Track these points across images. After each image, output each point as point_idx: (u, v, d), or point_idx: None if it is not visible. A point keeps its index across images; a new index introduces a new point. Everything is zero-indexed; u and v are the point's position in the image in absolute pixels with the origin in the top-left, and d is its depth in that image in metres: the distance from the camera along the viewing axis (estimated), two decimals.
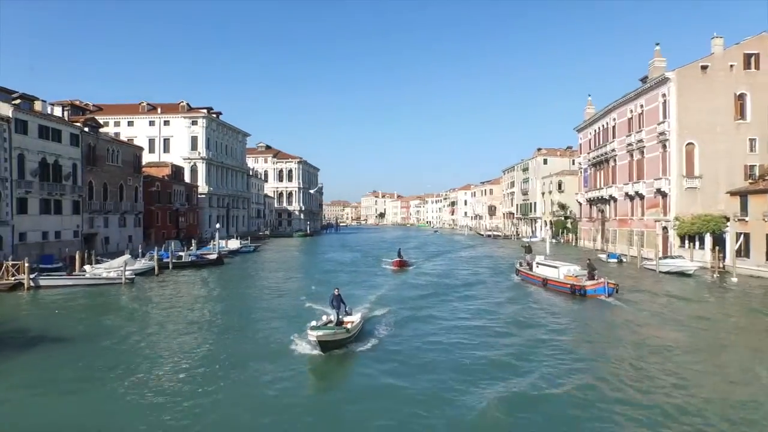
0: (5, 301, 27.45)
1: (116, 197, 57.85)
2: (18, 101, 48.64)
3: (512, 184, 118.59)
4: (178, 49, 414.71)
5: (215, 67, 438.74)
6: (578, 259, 43.64)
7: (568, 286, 30.73)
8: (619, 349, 18.95)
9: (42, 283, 29.62)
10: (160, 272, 38.79)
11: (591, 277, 30.95)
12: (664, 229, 46.26)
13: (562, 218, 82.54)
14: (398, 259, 44.95)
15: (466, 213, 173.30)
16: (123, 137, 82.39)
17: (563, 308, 27.35)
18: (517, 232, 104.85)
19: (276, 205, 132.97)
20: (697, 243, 41.89)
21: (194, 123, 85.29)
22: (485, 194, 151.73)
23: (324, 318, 19.69)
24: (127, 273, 32.10)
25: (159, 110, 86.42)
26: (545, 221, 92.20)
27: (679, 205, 44.37)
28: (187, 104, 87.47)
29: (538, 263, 35.92)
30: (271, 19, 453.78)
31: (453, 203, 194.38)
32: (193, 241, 58.00)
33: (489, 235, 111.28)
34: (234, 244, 58.99)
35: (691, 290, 32.41)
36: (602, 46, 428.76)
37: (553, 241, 78.95)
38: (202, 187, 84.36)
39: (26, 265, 29.72)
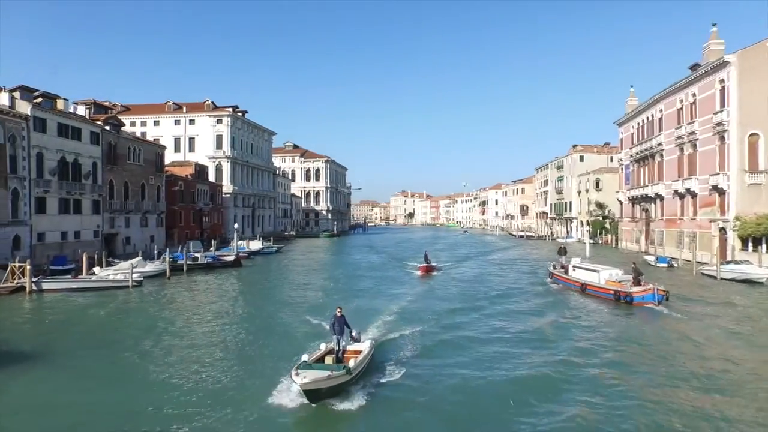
0: (2, 305, 25.83)
1: (138, 197, 56.69)
2: (39, 99, 47.82)
3: (545, 183, 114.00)
4: (207, 50, 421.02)
5: (243, 66, 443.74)
6: (620, 263, 39.78)
7: (611, 292, 27.50)
8: (685, 371, 15.78)
9: (45, 286, 27.99)
10: (173, 274, 36.97)
11: (637, 282, 27.61)
12: (722, 230, 41.86)
13: (600, 218, 77.98)
14: (425, 264, 41.08)
15: (496, 213, 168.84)
16: (149, 137, 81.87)
17: (608, 318, 24.09)
18: (551, 232, 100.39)
19: (303, 205, 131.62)
20: (765, 246, 37.38)
21: (219, 122, 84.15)
22: (517, 193, 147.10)
23: (322, 347, 15.19)
24: (135, 276, 30.25)
25: (184, 109, 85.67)
26: (581, 221, 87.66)
27: (740, 203, 39.97)
28: (212, 103, 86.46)
29: (574, 266, 32.75)
30: (302, 20, 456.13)
31: (483, 203, 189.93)
32: (213, 241, 56.30)
33: (521, 236, 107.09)
34: (255, 245, 57.02)
35: (765, 301, 28.40)
36: (645, 33, 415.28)
37: (591, 242, 74.65)
38: (227, 186, 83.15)
39: (28, 267, 28.08)
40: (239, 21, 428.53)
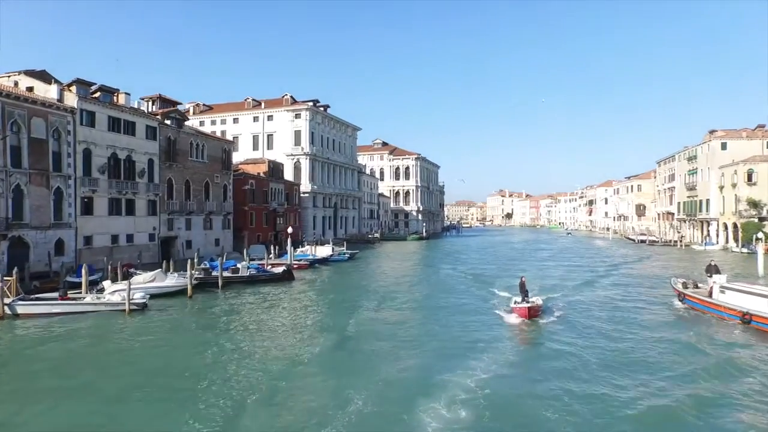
0: None
1: (200, 196, 51.97)
2: (98, 94, 44.26)
3: (671, 178, 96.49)
4: (304, 47, 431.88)
5: (331, 62, 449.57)
6: None
7: None
8: None
9: (20, 311, 22.13)
10: (205, 290, 30.05)
11: None
12: None
13: (755, 219, 61.66)
14: (525, 304, 23.69)
15: (606, 213, 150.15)
16: (228, 135, 78.83)
17: None
18: (680, 237, 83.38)
19: (392, 205, 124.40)
20: None
21: (297, 116, 78.91)
22: (632, 191, 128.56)
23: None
24: (137, 297, 23.63)
25: (263, 105, 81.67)
26: (724, 223, 71.02)
27: None
28: (291, 97, 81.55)
29: (723, 287, 24.43)
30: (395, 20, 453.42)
31: (590, 202, 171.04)
32: (274, 246, 49.83)
33: (642, 240, 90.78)
34: (324, 250, 49.49)
35: None
36: None
37: (744, 250, 58.94)
38: (305, 185, 77.63)
39: (15, 282, 22.34)
40: (333, 16, 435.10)
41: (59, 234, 38.17)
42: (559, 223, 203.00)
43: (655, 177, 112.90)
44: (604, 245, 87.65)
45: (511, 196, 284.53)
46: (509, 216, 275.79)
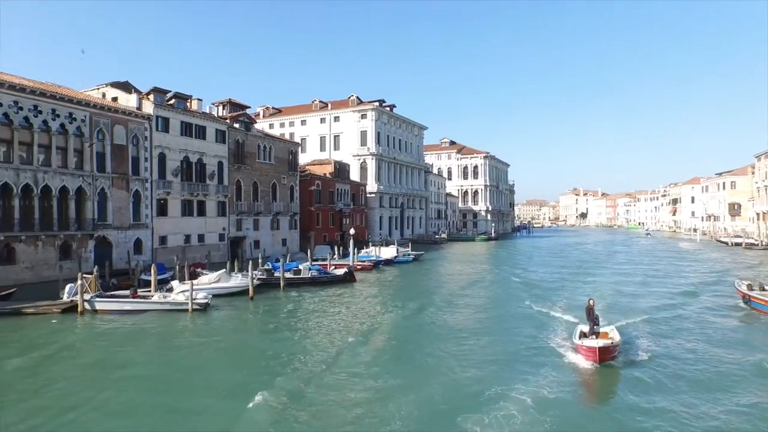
0: (38, 326, 21.63)
1: (268, 197, 53.29)
2: (173, 100, 46.53)
3: None
4: (371, 47, 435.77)
5: (397, 59, 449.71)
6: None
7: None
8: None
9: (98, 306, 23.43)
10: (266, 291, 30.41)
11: None
12: None
13: None
14: (595, 342, 17.43)
15: (693, 213, 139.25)
16: (296, 137, 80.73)
17: None
18: None
19: (460, 205, 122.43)
20: None
21: (363, 117, 79.25)
22: (723, 188, 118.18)
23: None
24: (200, 297, 24.27)
25: (329, 106, 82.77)
26: None
27: None
28: (357, 98, 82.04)
29: None
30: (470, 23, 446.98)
31: (674, 201, 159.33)
32: (337, 247, 50.05)
33: (737, 243, 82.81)
34: (388, 252, 48.95)
35: None
36: None
37: None
38: (371, 185, 77.80)
39: (80, 282, 23.60)
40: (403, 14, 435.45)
41: (138, 234, 40.40)
42: (639, 223, 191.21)
43: (753, 172, 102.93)
44: (691, 249, 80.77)
45: (585, 194, 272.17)
46: (584, 216, 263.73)
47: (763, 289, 26.14)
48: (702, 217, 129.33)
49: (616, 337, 18.51)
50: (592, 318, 18.60)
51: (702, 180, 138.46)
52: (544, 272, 45.72)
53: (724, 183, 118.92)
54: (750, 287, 26.86)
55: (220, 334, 21.56)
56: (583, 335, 18.68)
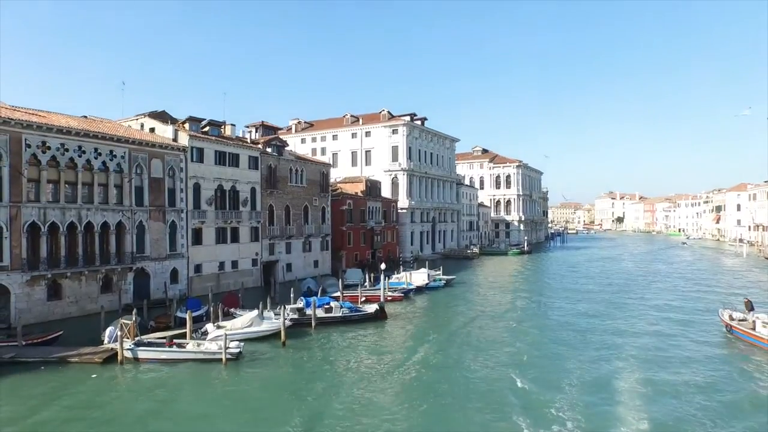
0: (80, 379, 22.06)
1: (300, 220, 53.86)
2: (207, 128, 47.58)
3: None
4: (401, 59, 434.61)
5: (428, 74, 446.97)
6: None
7: None
8: None
9: (141, 355, 24.03)
10: (298, 331, 30.12)
11: None
12: None
13: None
14: None
15: (739, 221, 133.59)
16: (328, 152, 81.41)
17: None
18: None
19: (492, 215, 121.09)
20: None
21: (394, 132, 79.21)
22: None
23: None
24: (233, 346, 24.57)
25: (360, 121, 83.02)
26: None
27: None
28: (388, 112, 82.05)
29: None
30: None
31: (718, 208, 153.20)
32: (370, 274, 49.84)
33: None
34: (419, 278, 48.10)
35: None
36: None
37: None
38: (403, 201, 77.70)
39: (119, 332, 24.21)
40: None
41: (174, 264, 41.43)
42: (680, 230, 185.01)
43: None
44: (733, 267, 75.53)
45: (622, 198, 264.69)
46: (620, 220, 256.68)
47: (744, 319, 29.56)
48: (749, 226, 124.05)
49: None
50: None
51: (749, 187, 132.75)
52: (574, 306, 44.01)
53: None
54: (731, 317, 29.60)
55: (249, 387, 21.81)
56: None
